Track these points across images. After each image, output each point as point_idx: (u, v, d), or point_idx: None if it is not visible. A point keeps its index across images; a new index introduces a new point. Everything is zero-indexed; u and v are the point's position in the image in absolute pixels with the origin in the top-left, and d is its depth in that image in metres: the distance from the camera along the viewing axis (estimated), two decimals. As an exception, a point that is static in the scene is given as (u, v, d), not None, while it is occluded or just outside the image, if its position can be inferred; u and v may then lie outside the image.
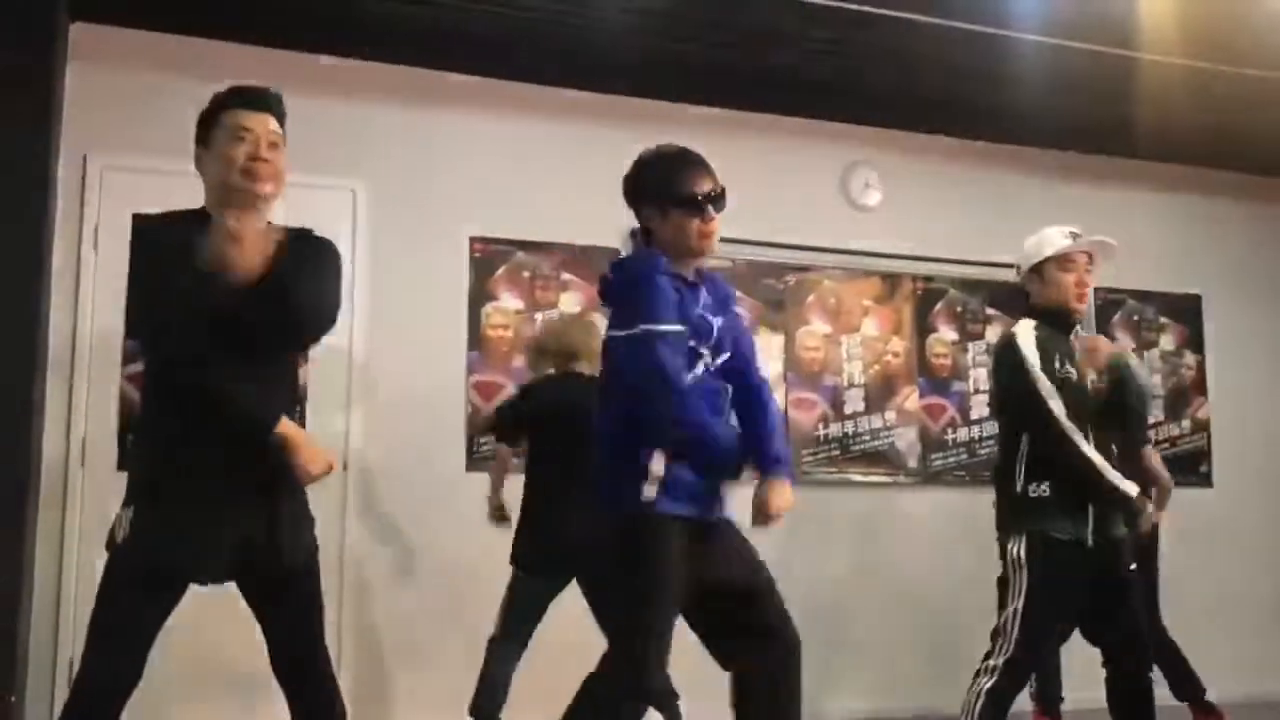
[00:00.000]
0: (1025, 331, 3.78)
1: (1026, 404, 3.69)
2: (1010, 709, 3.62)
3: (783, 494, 3.04)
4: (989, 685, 3.58)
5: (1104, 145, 6.96)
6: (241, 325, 2.68)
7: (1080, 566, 3.63)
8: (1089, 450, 3.61)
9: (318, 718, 2.88)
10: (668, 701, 4.79)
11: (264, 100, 2.90)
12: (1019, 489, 3.72)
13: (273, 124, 2.88)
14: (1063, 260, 3.81)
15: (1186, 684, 5.25)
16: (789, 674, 3.03)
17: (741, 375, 3.17)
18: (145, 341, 2.95)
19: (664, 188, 3.07)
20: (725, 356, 3.11)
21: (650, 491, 2.95)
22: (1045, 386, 3.65)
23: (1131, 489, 3.58)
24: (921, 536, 6.46)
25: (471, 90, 5.98)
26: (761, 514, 3.04)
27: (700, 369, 3.03)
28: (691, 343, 3.00)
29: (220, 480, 2.72)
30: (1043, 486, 3.68)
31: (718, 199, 3.07)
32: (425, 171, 5.90)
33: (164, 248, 2.74)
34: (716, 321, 3.09)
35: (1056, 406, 3.63)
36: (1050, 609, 3.64)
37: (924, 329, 6.74)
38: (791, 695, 3.03)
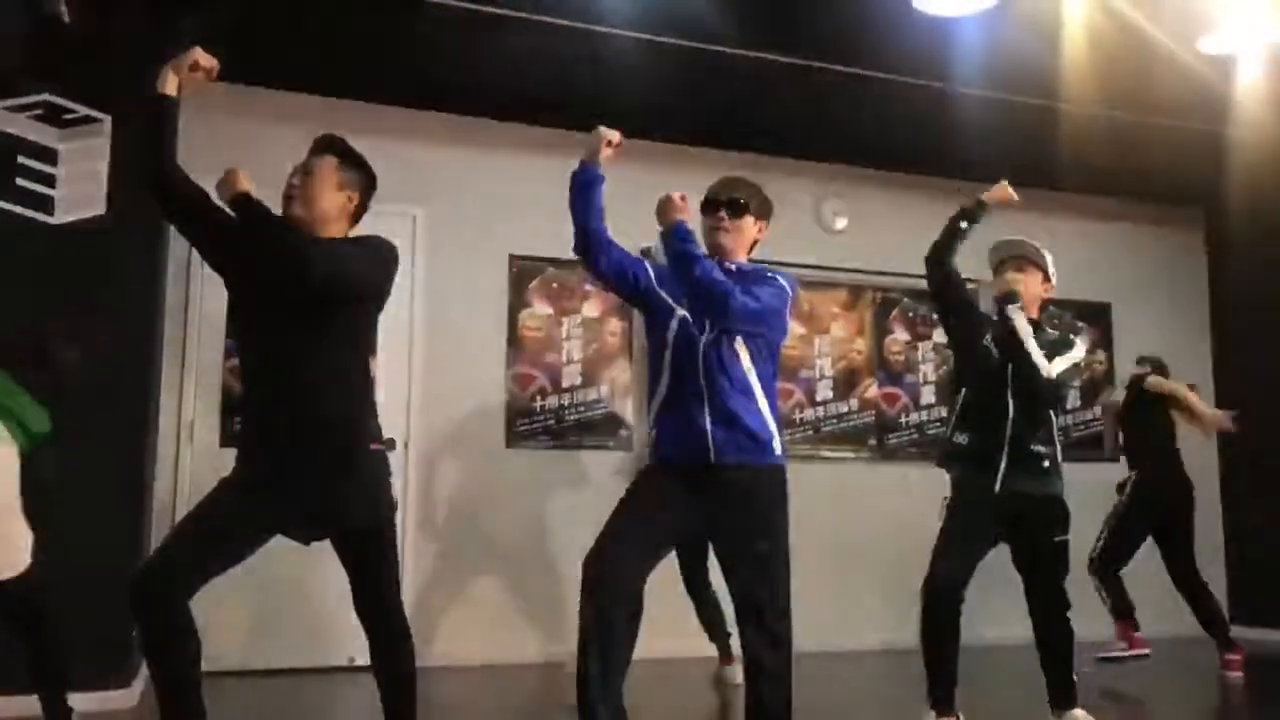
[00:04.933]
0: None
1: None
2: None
3: None
4: (923, 598, 3.61)
5: (1032, 180, 6.90)
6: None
7: (993, 508, 3.64)
8: None
9: (389, 648, 2.86)
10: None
11: (316, 144, 2.92)
12: (950, 434, 3.80)
13: (316, 159, 2.86)
14: (993, 269, 3.91)
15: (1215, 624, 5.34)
16: (770, 642, 2.93)
17: None
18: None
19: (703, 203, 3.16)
20: (714, 333, 2.98)
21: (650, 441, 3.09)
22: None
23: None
24: (880, 502, 6.45)
25: (511, 134, 5.98)
26: None
27: (675, 324, 3.00)
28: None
29: (294, 454, 2.71)
30: (964, 435, 3.75)
31: (718, 203, 3.09)
32: (473, 200, 5.90)
33: None
34: None
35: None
36: (962, 531, 3.65)
37: (882, 331, 6.72)
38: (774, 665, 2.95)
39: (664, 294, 3.06)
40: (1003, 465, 3.62)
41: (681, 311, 3.01)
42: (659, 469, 3.01)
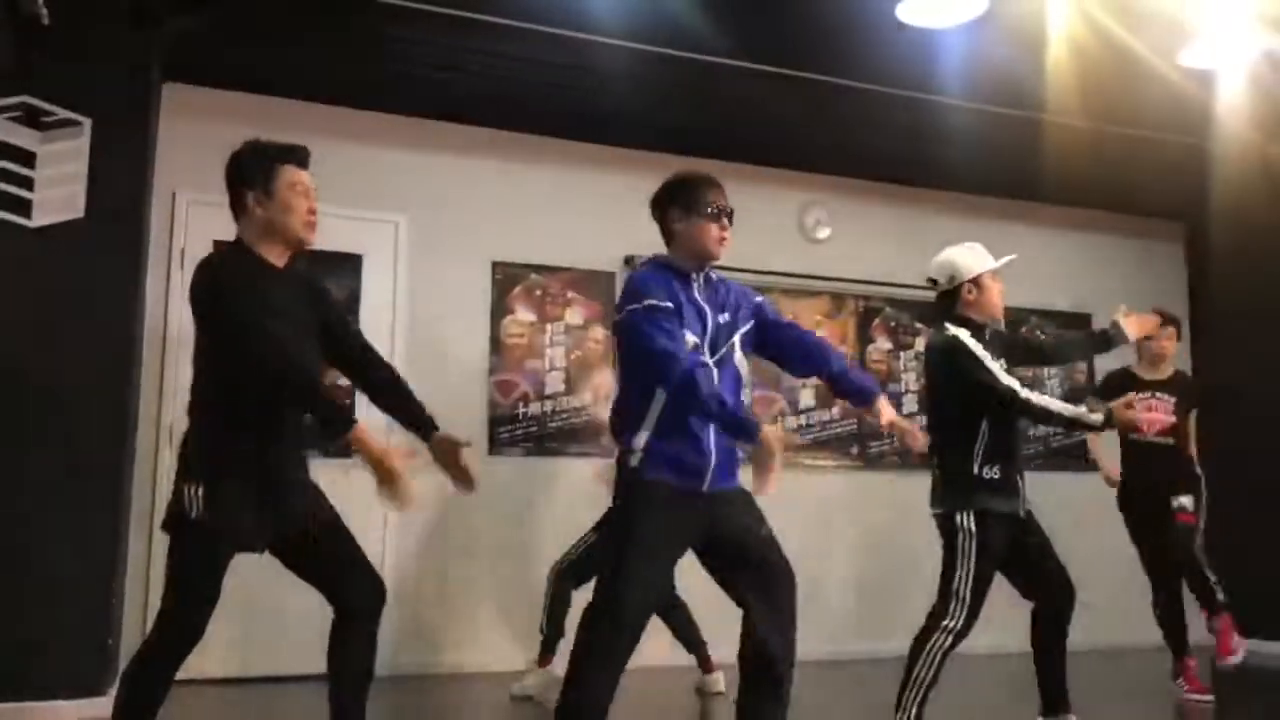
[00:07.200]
0: (965, 335, 3.68)
1: (986, 392, 3.57)
2: None
3: (889, 410, 3.21)
4: (948, 643, 3.52)
5: (1014, 191, 6.98)
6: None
7: (1010, 534, 3.61)
8: (1044, 400, 3.58)
9: (361, 601, 2.85)
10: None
11: (308, 159, 2.87)
12: (975, 470, 3.58)
13: (307, 178, 2.85)
14: (995, 273, 3.77)
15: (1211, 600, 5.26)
16: (787, 598, 2.90)
17: (798, 338, 3.25)
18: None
19: (693, 199, 3.03)
20: (722, 351, 2.99)
21: (634, 460, 2.89)
22: (1001, 373, 3.57)
23: (1089, 413, 3.56)
24: (862, 509, 6.47)
25: (494, 141, 5.97)
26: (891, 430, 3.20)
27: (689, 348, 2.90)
28: (682, 324, 2.89)
29: (273, 463, 2.73)
30: (994, 469, 3.59)
31: (727, 213, 3.05)
32: (456, 207, 5.88)
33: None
34: (719, 317, 2.99)
35: (1013, 383, 3.54)
36: (992, 570, 3.58)
37: (865, 339, 6.74)
38: (789, 616, 2.89)
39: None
40: (1022, 488, 3.64)
41: (693, 337, 2.90)
42: (662, 500, 2.87)
